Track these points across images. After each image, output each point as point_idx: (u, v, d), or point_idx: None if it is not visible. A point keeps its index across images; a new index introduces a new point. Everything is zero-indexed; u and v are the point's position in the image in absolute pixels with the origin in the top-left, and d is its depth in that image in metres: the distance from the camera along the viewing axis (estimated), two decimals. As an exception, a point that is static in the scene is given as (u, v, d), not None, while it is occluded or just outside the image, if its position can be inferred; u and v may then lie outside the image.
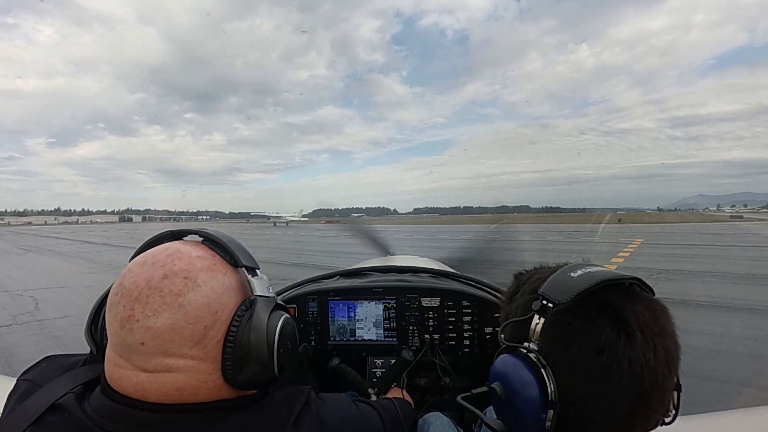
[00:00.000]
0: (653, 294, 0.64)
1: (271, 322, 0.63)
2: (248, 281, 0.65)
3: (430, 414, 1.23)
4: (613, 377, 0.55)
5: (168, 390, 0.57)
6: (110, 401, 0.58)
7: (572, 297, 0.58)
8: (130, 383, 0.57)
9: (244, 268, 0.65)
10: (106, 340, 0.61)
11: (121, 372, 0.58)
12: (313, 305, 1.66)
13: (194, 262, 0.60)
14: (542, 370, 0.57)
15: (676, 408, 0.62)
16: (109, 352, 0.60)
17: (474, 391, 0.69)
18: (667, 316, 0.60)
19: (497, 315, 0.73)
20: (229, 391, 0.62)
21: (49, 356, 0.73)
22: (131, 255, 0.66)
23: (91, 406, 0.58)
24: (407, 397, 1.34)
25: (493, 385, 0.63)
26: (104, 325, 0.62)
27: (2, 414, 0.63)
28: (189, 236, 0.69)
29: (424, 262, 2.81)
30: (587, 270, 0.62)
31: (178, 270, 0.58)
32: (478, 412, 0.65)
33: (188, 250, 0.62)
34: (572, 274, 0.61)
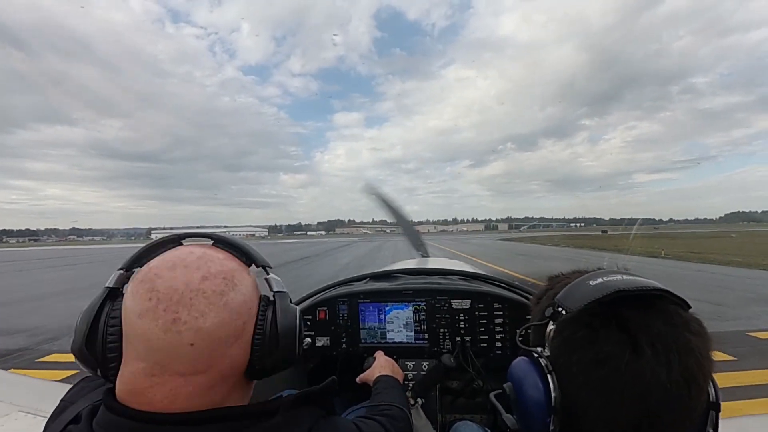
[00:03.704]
0: (687, 308, 0.58)
1: (292, 312, 0.68)
2: (266, 279, 0.71)
3: (460, 423, 1.22)
4: (613, 390, 0.53)
5: (199, 391, 0.58)
6: (122, 418, 0.56)
7: (582, 306, 0.57)
8: (163, 390, 0.56)
9: (262, 267, 0.71)
10: (113, 353, 0.60)
11: (153, 380, 0.56)
12: (343, 308, 1.70)
13: (225, 264, 0.63)
14: (548, 375, 0.57)
15: (715, 427, 0.57)
16: (134, 365, 0.57)
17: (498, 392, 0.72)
18: (695, 332, 0.55)
19: (529, 317, 0.73)
20: (242, 389, 0.65)
21: (86, 377, 0.74)
22: (130, 259, 0.67)
23: (98, 425, 0.58)
24: (397, 371, 1.36)
25: (504, 386, 0.65)
26: (105, 339, 0.61)
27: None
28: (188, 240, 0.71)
29: (456, 264, 2.88)
30: (607, 279, 0.59)
31: (216, 272, 0.60)
32: (499, 405, 0.67)
33: (213, 253, 0.64)
34: (590, 282, 0.60)
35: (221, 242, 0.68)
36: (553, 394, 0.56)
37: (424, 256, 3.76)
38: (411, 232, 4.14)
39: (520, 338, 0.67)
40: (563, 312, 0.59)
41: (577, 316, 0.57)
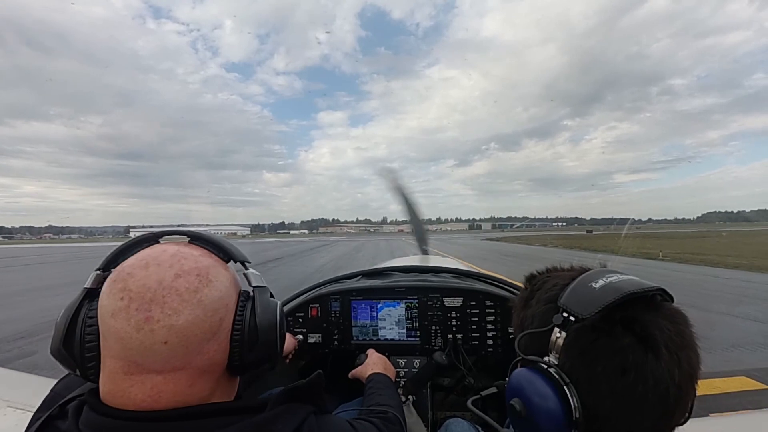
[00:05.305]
0: (673, 301, 0.60)
1: (272, 307, 0.68)
2: (244, 274, 0.71)
3: (451, 420, 1.22)
4: (638, 396, 0.52)
5: (181, 388, 0.58)
6: (106, 418, 0.56)
7: (595, 312, 0.55)
8: (144, 389, 0.56)
9: (240, 263, 0.71)
10: (92, 353, 0.60)
11: (133, 379, 0.56)
12: (335, 305, 1.69)
13: (200, 260, 0.62)
14: (565, 387, 0.54)
15: (690, 411, 0.58)
16: (111, 364, 0.57)
17: (483, 394, 0.70)
18: (690, 328, 0.57)
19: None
20: (226, 385, 0.65)
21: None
22: (106, 259, 0.65)
23: (84, 425, 0.57)
24: (389, 368, 1.35)
25: (512, 402, 0.59)
26: (83, 339, 0.61)
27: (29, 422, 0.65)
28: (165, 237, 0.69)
29: (448, 262, 3.01)
30: (609, 280, 0.58)
31: (189, 269, 0.60)
32: (494, 423, 0.65)
33: (188, 251, 0.63)
34: (594, 285, 0.58)
35: (198, 239, 0.67)
36: (573, 407, 0.53)
37: (425, 255, 3.60)
38: (420, 230, 3.88)
39: (520, 347, 0.63)
40: (572, 318, 0.56)
41: (595, 322, 0.55)
